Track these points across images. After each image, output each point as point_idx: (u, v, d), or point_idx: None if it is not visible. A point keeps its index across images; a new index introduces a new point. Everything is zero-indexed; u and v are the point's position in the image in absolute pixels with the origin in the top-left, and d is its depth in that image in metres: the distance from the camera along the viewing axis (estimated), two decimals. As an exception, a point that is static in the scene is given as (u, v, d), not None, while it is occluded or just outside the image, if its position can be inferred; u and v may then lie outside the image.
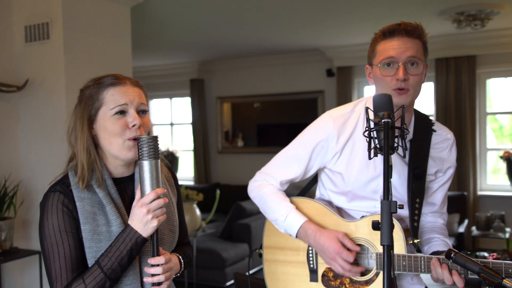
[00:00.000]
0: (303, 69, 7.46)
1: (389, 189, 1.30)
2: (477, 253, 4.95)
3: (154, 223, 1.39)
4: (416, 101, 1.74)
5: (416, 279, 1.83)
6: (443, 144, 1.81)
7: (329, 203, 1.88)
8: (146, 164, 1.40)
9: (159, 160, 1.43)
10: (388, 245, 1.25)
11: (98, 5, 3.74)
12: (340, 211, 1.86)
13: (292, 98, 7.56)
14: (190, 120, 8.23)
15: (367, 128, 1.44)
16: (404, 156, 1.51)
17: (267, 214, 1.86)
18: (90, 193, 1.44)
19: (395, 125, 1.46)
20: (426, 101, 6.85)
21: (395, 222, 1.68)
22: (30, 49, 3.62)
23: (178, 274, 1.60)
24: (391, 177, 1.42)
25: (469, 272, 1.49)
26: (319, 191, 1.95)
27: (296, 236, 1.78)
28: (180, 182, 7.58)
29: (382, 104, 1.46)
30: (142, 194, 1.40)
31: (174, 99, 8.73)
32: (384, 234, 1.25)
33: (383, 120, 1.38)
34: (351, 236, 1.74)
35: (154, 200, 1.39)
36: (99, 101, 1.47)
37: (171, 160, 8.25)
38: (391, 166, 1.43)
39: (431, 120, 1.84)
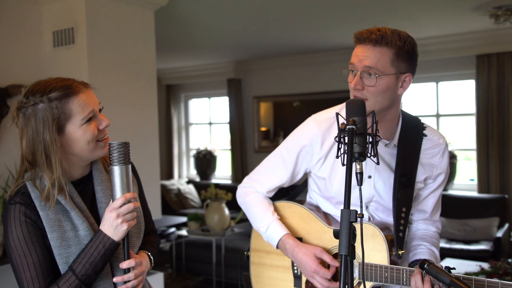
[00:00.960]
0: (341, 67, 7.33)
1: (349, 197, 1.27)
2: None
3: (124, 227, 1.42)
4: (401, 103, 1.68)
5: None
6: (434, 150, 1.73)
7: (316, 208, 1.86)
8: (116, 169, 1.43)
9: (130, 165, 1.46)
10: (346, 255, 1.22)
11: (121, 9, 3.84)
12: (327, 217, 1.83)
13: (331, 96, 7.46)
14: (228, 120, 8.30)
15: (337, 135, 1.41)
16: (378, 163, 1.46)
17: (251, 222, 1.87)
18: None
19: (368, 131, 1.43)
20: (467, 99, 6.60)
21: (378, 232, 1.64)
22: (57, 54, 3.77)
23: (149, 269, 1.62)
24: (361, 184, 1.40)
25: None
26: (308, 194, 1.93)
27: (277, 247, 1.77)
28: (217, 181, 7.68)
29: (353, 109, 1.43)
30: (113, 198, 1.43)
31: (212, 98, 8.83)
32: (342, 243, 1.23)
33: (347, 127, 1.34)
34: (333, 244, 1.71)
35: (123, 204, 1.42)
36: (65, 114, 1.43)
37: (209, 159, 8.36)
38: (361, 173, 1.40)
39: (422, 124, 1.77)
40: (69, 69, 3.71)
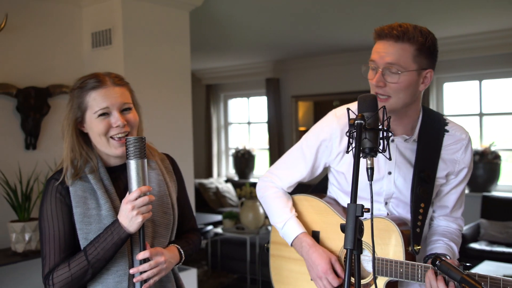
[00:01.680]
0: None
1: (356, 192, 1.27)
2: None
3: (139, 219, 1.47)
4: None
5: None
6: (456, 145, 1.69)
7: (336, 202, 1.86)
8: (132, 163, 1.49)
9: (145, 159, 1.51)
10: (351, 249, 1.22)
11: (157, 10, 3.93)
12: (345, 211, 1.83)
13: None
14: (266, 119, 8.33)
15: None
16: (390, 159, 1.45)
17: (269, 216, 1.89)
18: (83, 180, 1.56)
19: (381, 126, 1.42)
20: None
21: (394, 227, 1.63)
22: (95, 54, 3.91)
23: (178, 265, 1.67)
24: (371, 180, 1.39)
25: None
26: (328, 188, 1.93)
27: (291, 245, 1.79)
28: (255, 180, 7.74)
29: (365, 104, 1.42)
30: (129, 191, 1.49)
31: (251, 98, 8.89)
32: (347, 237, 1.23)
33: (356, 122, 1.34)
34: (349, 238, 1.71)
35: (139, 197, 1.47)
36: (83, 105, 1.56)
37: (247, 158, 8.42)
38: (371, 168, 1.39)
39: (445, 120, 1.74)
40: (106, 69, 3.79)
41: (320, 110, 8.03)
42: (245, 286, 5.40)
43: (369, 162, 1.39)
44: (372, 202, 1.44)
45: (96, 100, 1.54)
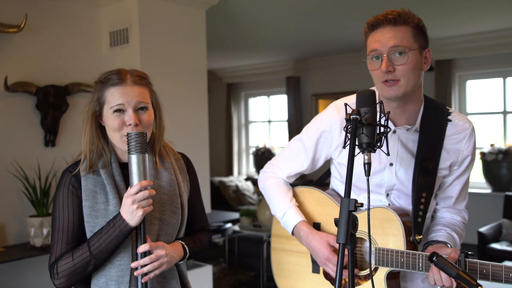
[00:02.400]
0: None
1: (350, 186, 1.27)
2: None
3: (139, 213, 1.49)
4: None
5: (426, 283, 1.74)
6: (459, 135, 1.67)
7: (337, 194, 1.86)
8: (133, 158, 1.51)
9: (146, 154, 1.53)
10: (343, 244, 1.22)
11: (173, 9, 3.98)
12: None
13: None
14: (286, 117, 8.33)
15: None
16: (388, 154, 1.45)
17: (270, 207, 1.90)
18: (95, 174, 1.60)
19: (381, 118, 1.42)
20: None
21: (395, 217, 1.62)
22: (113, 53, 3.98)
23: (182, 261, 1.69)
24: (369, 175, 1.39)
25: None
26: (331, 180, 1.93)
27: (292, 234, 1.79)
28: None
29: (363, 99, 1.43)
30: (130, 185, 1.52)
31: (271, 97, 8.90)
32: (340, 232, 1.23)
33: (351, 117, 1.34)
34: (351, 229, 1.70)
35: (139, 191, 1.50)
36: (102, 99, 1.61)
37: (267, 156, 8.43)
38: (369, 163, 1.39)
39: (448, 109, 1.72)
40: (123, 67, 3.86)
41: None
42: (262, 284, 5.42)
43: (366, 157, 1.39)
44: (369, 197, 1.43)
45: (113, 96, 1.58)
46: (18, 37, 3.51)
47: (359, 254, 1.73)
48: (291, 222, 1.78)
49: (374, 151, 1.39)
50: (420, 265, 1.54)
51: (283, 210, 1.81)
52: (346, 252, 1.62)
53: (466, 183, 1.74)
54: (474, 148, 1.70)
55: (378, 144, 1.40)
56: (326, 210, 1.79)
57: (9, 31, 3.39)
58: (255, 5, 4.70)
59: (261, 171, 1.97)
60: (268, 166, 1.94)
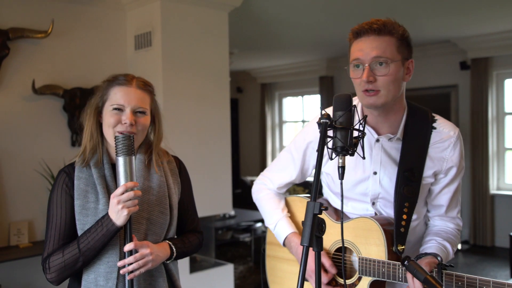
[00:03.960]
0: (434, 63, 7.00)
1: (317, 190, 1.28)
2: None
3: (125, 213, 1.55)
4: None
5: None
6: (444, 143, 1.64)
7: (327, 202, 1.86)
8: (120, 160, 1.57)
9: (133, 156, 1.59)
10: (307, 246, 1.24)
11: (195, 12, 4.05)
12: (336, 211, 1.83)
13: (423, 93, 7.15)
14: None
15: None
16: (363, 158, 1.45)
17: (263, 218, 1.92)
18: (87, 173, 1.67)
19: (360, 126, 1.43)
20: None
21: (377, 226, 1.61)
22: (138, 56, 4.10)
23: (169, 261, 1.73)
24: (342, 178, 1.40)
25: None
26: (323, 189, 1.94)
27: (284, 245, 1.82)
28: (309, 179, 7.77)
29: (339, 103, 1.43)
30: (117, 186, 1.58)
31: (305, 96, 8.88)
32: (304, 234, 1.24)
33: (321, 121, 1.35)
34: (336, 238, 1.71)
35: (125, 192, 1.56)
36: (106, 96, 1.68)
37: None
38: (343, 167, 1.40)
39: (433, 116, 1.69)
40: (147, 70, 4.01)
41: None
42: None
43: (340, 161, 1.39)
44: (342, 201, 1.45)
45: (116, 95, 1.66)
46: (46, 41, 3.68)
47: (348, 264, 1.73)
48: (282, 233, 1.81)
49: (347, 154, 1.39)
50: (400, 276, 1.52)
51: (275, 222, 1.83)
52: (331, 269, 1.65)
53: (457, 191, 1.70)
54: (461, 156, 1.66)
55: (354, 147, 1.40)
56: None
57: (37, 36, 3.56)
58: (280, 6, 4.72)
59: (254, 182, 2.00)
60: (260, 177, 1.98)
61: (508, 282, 1.34)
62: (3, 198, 3.54)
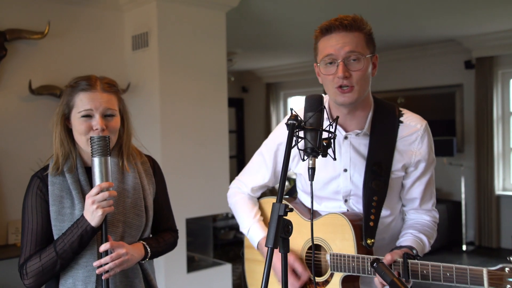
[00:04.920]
0: (438, 62, 6.94)
1: (282, 191, 1.28)
2: None
3: (99, 213, 1.56)
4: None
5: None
6: (411, 136, 1.64)
7: (301, 203, 1.86)
8: (96, 160, 1.58)
9: (108, 157, 1.60)
10: (272, 248, 1.23)
11: (192, 13, 4.06)
12: (309, 211, 1.82)
13: (428, 93, 7.10)
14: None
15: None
16: (334, 159, 1.44)
17: (238, 223, 1.93)
18: (61, 179, 1.67)
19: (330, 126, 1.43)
20: None
21: (346, 222, 1.61)
22: (135, 56, 4.12)
23: (144, 261, 1.74)
24: (312, 179, 1.39)
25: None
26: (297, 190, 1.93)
27: (257, 249, 1.82)
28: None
29: (310, 104, 1.43)
30: (93, 186, 1.59)
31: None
32: (269, 236, 1.24)
33: (289, 122, 1.35)
34: (308, 236, 1.70)
35: (99, 192, 1.56)
36: (71, 103, 1.67)
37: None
38: (313, 168, 1.40)
39: (400, 111, 1.69)
40: (144, 70, 4.03)
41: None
42: None
43: (310, 162, 1.39)
44: (312, 201, 1.45)
45: (82, 101, 1.64)
46: (43, 42, 3.72)
47: (323, 261, 1.72)
48: (255, 238, 1.81)
49: (318, 156, 1.39)
50: (369, 268, 1.52)
51: (247, 227, 1.84)
52: (303, 275, 1.65)
53: (429, 183, 1.70)
54: (430, 148, 1.66)
55: (324, 149, 1.40)
56: (289, 219, 1.79)
57: (33, 38, 3.59)
58: (278, 5, 4.71)
59: (230, 186, 2.00)
60: (235, 181, 1.98)
61: (470, 267, 1.35)
62: (1, 197, 3.58)
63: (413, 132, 1.64)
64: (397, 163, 1.64)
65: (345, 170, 1.67)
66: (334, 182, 1.69)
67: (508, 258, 1.35)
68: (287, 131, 1.72)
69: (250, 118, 9.72)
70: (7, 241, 3.58)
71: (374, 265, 1.37)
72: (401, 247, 1.59)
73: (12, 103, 3.62)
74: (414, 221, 1.73)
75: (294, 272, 1.69)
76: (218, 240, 6.66)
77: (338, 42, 1.53)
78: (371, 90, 1.68)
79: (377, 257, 1.42)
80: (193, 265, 4.26)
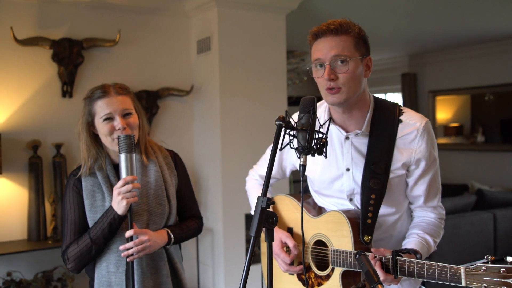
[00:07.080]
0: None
1: (267, 186, 1.39)
2: None
3: (124, 203, 1.77)
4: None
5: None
6: (411, 134, 1.67)
7: (312, 200, 1.94)
8: (122, 157, 1.80)
9: (133, 153, 1.81)
10: (254, 236, 1.36)
11: (252, 17, 4.23)
12: (319, 209, 1.90)
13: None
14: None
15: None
16: (325, 157, 1.53)
17: (251, 206, 2.07)
18: (93, 176, 1.91)
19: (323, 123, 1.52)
20: None
21: (344, 219, 1.68)
22: (199, 60, 4.37)
23: (169, 246, 1.94)
24: (302, 176, 1.49)
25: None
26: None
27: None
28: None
29: (302, 105, 1.53)
30: (120, 179, 1.81)
31: (387, 94, 8.69)
32: (252, 226, 1.36)
33: (276, 122, 1.46)
34: (313, 232, 1.79)
35: (124, 185, 1.78)
36: (92, 111, 1.88)
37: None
38: (304, 165, 1.50)
39: (401, 109, 1.72)
40: (206, 73, 4.27)
41: (476, 105, 7.41)
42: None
43: (301, 159, 1.49)
44: (302, 198, 1.56)
45: (101, 107, 1.86)
46: (115, 49, 4.08)
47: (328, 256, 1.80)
48: None
49: (309, 154, 1.49)
50: None
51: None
52: (293, 250, 1.75)
53: (433, 180, 1.72)
54: (430, 146, 1.67)
55: (318, 148, 1.49)
56: (295, 215, 1.91)
57: (106, 45, 3.96)
58: (337, 5, 4.73)
59: (248, 172, 2.16)
60: (251, 169, 2.14)
61: (449, 265, 1.39)
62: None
63: (412, 130, 1.67)
64: (397, 162, 1.68)
65: (348, 170, 1.74)
66: (338, 181, 1.76)
67: (504, 259, 1.36)
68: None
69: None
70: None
71: (356, 256, 1.44)
72: (406, 249, 1.62)
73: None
74: (420, 219, 1.76)
75: (284, 247, 1.82)
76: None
77: (325, 46, 1.61)
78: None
79: (361, 250, 1.48)
80: (254, 258, 4.43)
